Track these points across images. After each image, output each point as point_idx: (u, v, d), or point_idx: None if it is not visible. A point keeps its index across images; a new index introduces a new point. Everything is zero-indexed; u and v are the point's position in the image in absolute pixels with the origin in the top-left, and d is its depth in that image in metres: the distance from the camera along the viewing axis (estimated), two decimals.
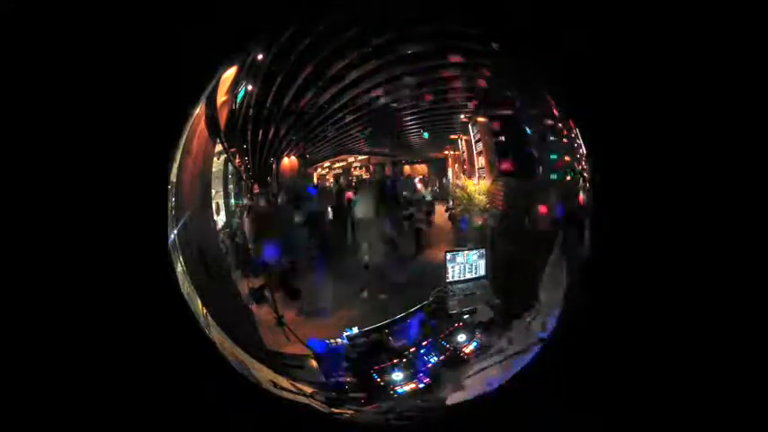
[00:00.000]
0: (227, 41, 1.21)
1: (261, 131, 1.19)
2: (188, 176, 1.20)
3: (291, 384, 1.17)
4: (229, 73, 1.19)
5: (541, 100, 1.23)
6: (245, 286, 1.16)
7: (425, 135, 1.21)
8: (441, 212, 1.22)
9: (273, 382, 1.17)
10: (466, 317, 1.21)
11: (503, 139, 1.19)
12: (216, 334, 1.18)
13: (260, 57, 1.18)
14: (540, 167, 1.20)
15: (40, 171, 1.26)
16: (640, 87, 1.29)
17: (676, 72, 1.28)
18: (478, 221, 1.19)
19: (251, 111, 1.19)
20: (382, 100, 1.17)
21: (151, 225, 1.20)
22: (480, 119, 1.21)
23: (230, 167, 1.19)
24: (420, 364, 1.17)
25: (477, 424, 1.23)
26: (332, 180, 1.19)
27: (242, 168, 1.19)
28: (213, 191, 1.18)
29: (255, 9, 1.25)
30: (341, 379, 1.17)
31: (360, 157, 1.23)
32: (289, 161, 1.19)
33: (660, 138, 1.29)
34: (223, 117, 1.19)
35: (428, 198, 1.21)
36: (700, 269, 1.28)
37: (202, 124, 1.20)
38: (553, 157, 1.23)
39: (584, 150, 1.24)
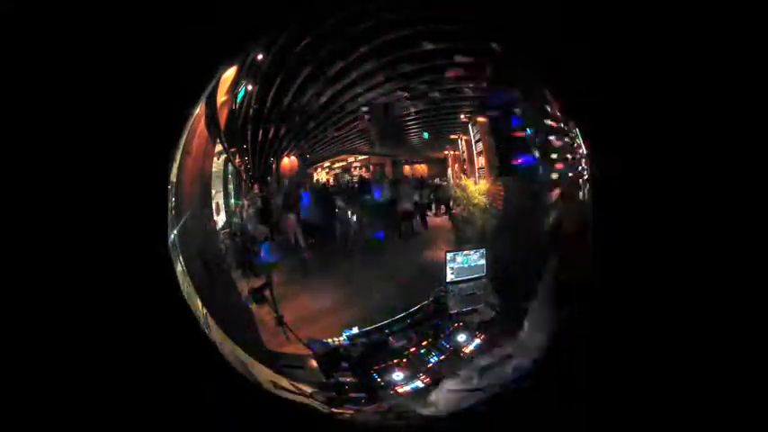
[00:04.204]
0: (227, 41, 1.21)
1: (261, 131, 1.19)
2: (188, 176, 1.20)
3: (291, 384, 1.17)
4: (229, 73, 1.19)
5: (541, 100, 1.23)
6: (245, 286, 1.16)
7: (425, 135, 1.21)
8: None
9: (273, 382, 1.17)
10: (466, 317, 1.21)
11: (503, 139, 1.19)
12: (216, 334, 1.18)
13: (260, 57, 1.18)
14: (540, 168, 1.20)
15: (40, 171, 1.25)
16: (640, 87, 1.29)
17: (676, 72, 1.28)
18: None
19: (251, 111, 1.19)
20: (382, 100, 1.18)
21: (151, 225, 1.20)
22: (480, 119, 1.21)
23: (230, 167, 1.19)
24: (420, 364, 1.17)
25: (477, 424, 1.23)
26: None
27: (242, 168, 1.19)
28: (213, 191, 1.18)
29: (255, 9, 1.25)
30: (341, 379, 1.17)
31: (360, 157, 1.23)
32: (289, 161, 1.19)
33: (660, 138, 1.29)
34: (223, 117, 1.19)
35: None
36: (700, 269, 1.28)
37: (202, 124, 1.20)
38: (553, 157, 1.23)
39: (584, 150, 1.24)
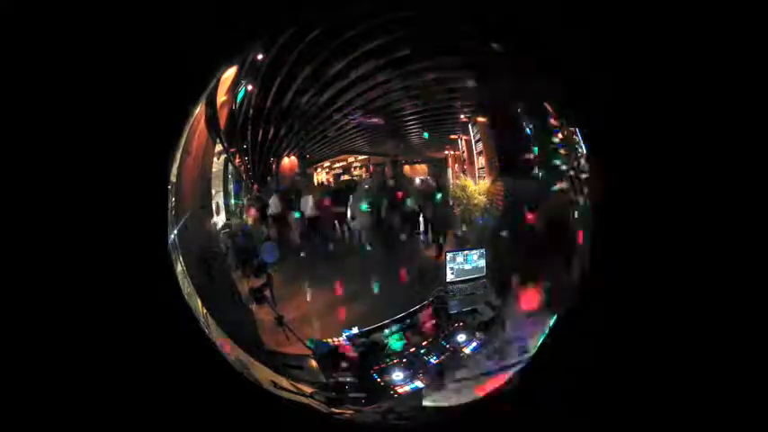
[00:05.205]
0: (228, 41, 1.21)
1: (261, 131, 1.19)
2: (188, 176, 1.20)
3: (291, 384, 1.17)
4: (229, 73, 1.19)
5: (541, 100, 1.23)
6: (245, 286, 1.17)
7: (425, 135, 1.21)
8: None
9: (273, 382, 1.17)
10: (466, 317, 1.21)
11: (503, 139, 1.19)
12: (216, 334, 1.18)
13: (260, 57, 1.19)
14: (540, 168, 1.20)
15: (41, 171, 1.26)
16: (640, 87, 1.29)
17: (676, 72, 1.28)
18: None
19: (251, 111, 1.19)
20: (382, 100, 1.17)
21: (151, 225, 1.20)
22: (480, 119, 1.21)
23: (230, 167, 1.19)
24: (419, 364, 1.17)
25: (478, 424, 1.23)
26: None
27: (242, 168, 1.19)
28: (213, 191, 1.18)
29: (255, 9, 1.25)
30: (341, 379, 1.17)
31: (360, 157, 1.23)
32: (289, 161, 1.19)
33: (660, 138, 1.29)
34: (223, 117, 1.19)
35: None
36: (701, 270, 1.28)
37: (202, 124, 1.20)
38: (552, 156, 1.23)
39: (584, 150, 1.24)
